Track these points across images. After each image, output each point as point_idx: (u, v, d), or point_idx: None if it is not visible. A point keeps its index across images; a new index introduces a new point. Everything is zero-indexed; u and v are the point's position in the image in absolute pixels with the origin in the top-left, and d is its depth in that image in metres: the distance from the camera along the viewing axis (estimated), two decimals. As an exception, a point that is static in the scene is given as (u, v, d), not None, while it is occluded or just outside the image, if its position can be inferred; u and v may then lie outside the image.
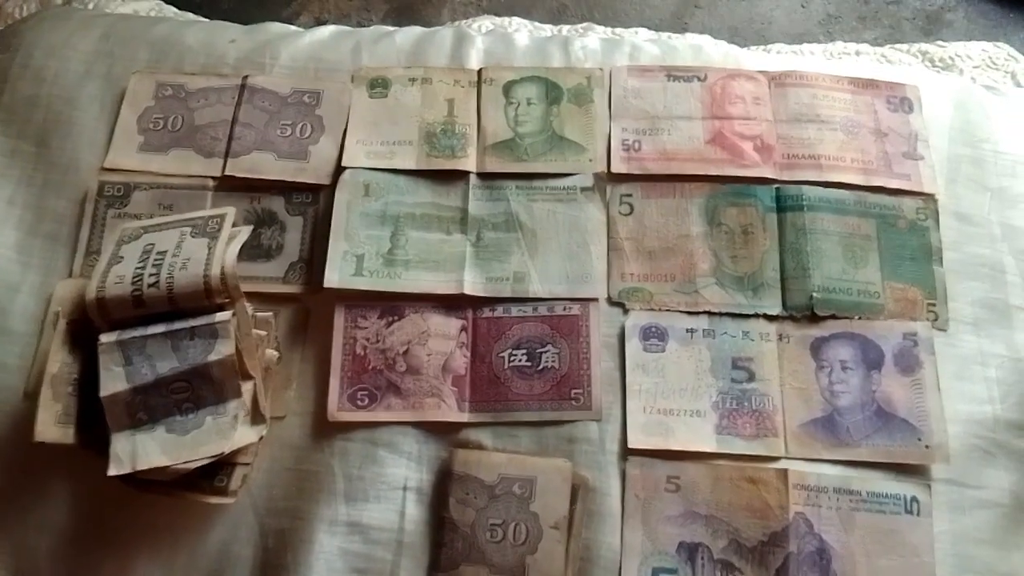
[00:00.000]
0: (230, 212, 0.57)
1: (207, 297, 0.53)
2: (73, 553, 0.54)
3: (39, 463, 0.55)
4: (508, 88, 0.65)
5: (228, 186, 0.62)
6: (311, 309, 0.60)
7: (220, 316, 0.53)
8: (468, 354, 0.57)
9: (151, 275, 0.54)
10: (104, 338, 0.53)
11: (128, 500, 0.54)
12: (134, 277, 0.54)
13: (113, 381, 0.52)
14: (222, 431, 0.52)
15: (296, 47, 0.68)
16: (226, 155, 0.63)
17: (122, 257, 0.55)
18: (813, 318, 0.57)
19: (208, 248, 0.55)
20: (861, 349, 0.56)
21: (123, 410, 0.52)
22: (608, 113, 0.64)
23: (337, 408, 0.56)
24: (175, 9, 0.89)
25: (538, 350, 0.57)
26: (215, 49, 0.68)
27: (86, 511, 0.55)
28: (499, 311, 0.58)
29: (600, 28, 0.78)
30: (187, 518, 0.55)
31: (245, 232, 0.57)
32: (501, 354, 0.57)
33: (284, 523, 0.54)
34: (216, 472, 0.53)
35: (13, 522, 0.55)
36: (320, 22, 0.76)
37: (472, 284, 0.59)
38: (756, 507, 0.51)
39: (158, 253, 0.55)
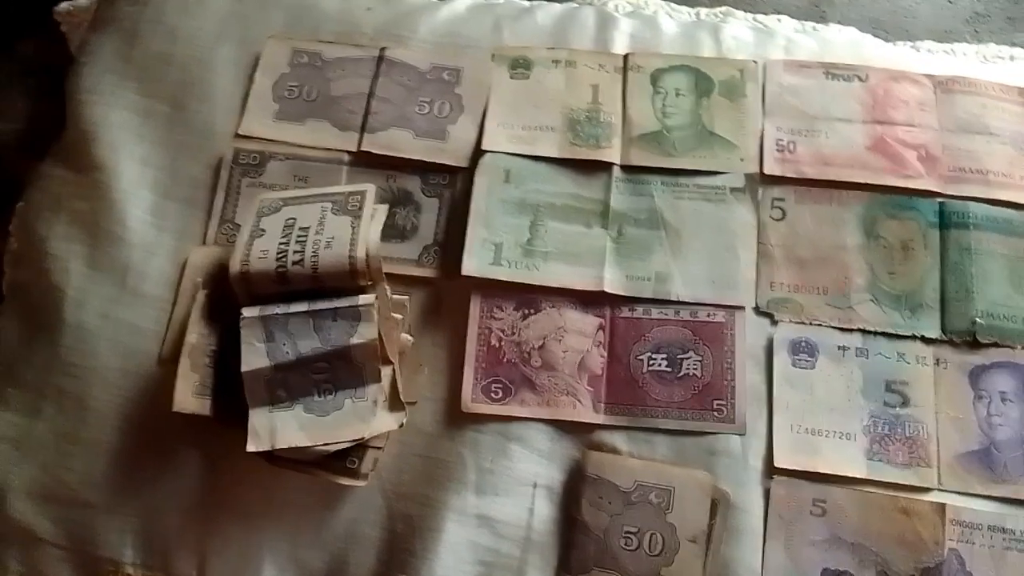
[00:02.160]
0: (370, 189, 0.56)
1: (352, 278, 0.52)
2: (201, 520, 0.55)
3: (172, 429, 0.55)
4: (656, 77, 0.62)
5: (364, 162, 0.61)
6: (444, 294, 0.58)
7: (363, 299, 0.52)
8: (605, 354, 0.56)
9: (295, 252, 0.53)
10: (247, 312, 0.52)
11: (258, 472, 0.53)
12: (278, 253, 0.53)
13: (255, 356, 0.51)
14: (362, 415, 0.51)
15: (434, 20, 0.66)
16: (362, 130, 0.62)
17: (264, 230, 0.55)
18: (973, 344, 0.54)
19: (352, 227, 0.53)
20: (1023, 381, 0.53)
21: (263, 386, 0.52)
22: (761, 110, 0.61)
23: (471, 399, 0.55)
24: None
25: (679, 356, 0.55)
26: (351, 16, 0.66)
27: (216, 480, 0.55)
28: (639, 311, 0.57)
29: (740, 13, 0.74)
30: (316, 495, 0.54)
31: (383, 212, 0.56)
32: (640, 356, 0.56)
33: (413, 509, 0.54)
34: (348, 453, 0.53)
35: (143, 485, 0.55)
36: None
37: (612, 282, 0.57)
38: (909, 540, 0.50)
39: (301, 229, 0.54)
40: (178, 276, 0.59)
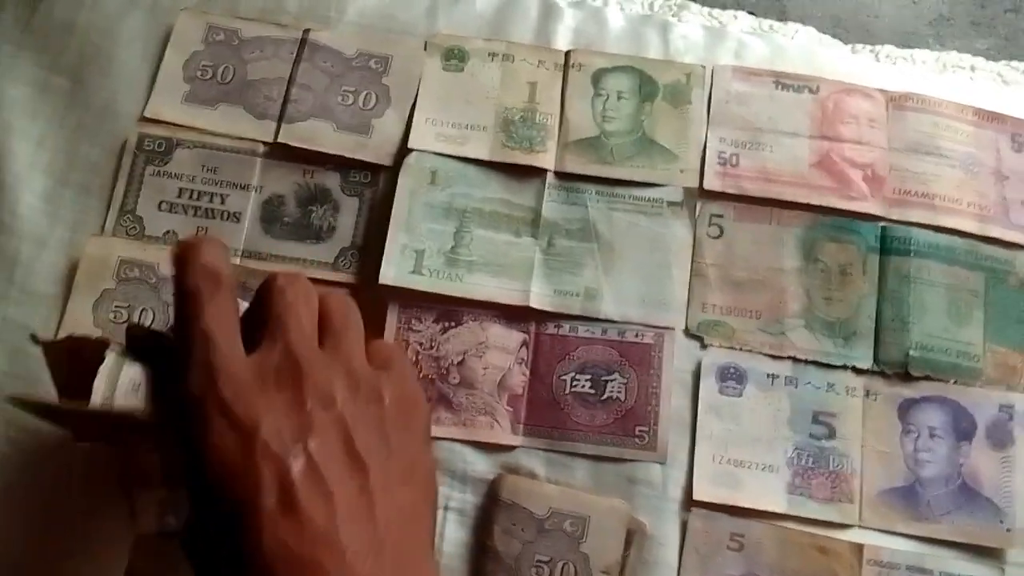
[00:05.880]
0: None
1: None
2: (94, 539, 0.51)
3: (65, 437, 0.52)
4: (598, 77, 0.58)
5: (279, 155, 0.56)
6: (361, 302, 0.54)
7: None
8: (527, 372, 0.53)
9: None
10: None
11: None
12: None
13: None
14: None
15: (366, 1, 0.61)
16: (280, 119, 0.57)
17: None
18: (905, 376, 0.52)
19: None
20: (953, 416, 0.52)
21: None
22: (706, 118, 0.57)
23: (383, 417, 0.52)
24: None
25: (603, 377, 0.53)
26: (275, -9, 0.61)
27: (106, 496, 0.52)
28: (565, 329, 0.54)
29: (695, 7, 0.70)
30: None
31: None
32: (563, 376, 0.53)
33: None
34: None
35: (33, 499, 0.52)
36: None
37: (539, 296, 0.54)
38: (825, 581, 0.48)
39: None
40: (71, 272, 0.54)
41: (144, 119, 0.57)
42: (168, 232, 0.55)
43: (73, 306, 0.53)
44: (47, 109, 0.58)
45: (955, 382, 0.53)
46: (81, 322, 0.53)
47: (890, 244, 0.54)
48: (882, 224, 0.55)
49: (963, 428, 0.52)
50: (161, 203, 0.56)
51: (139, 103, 0.58)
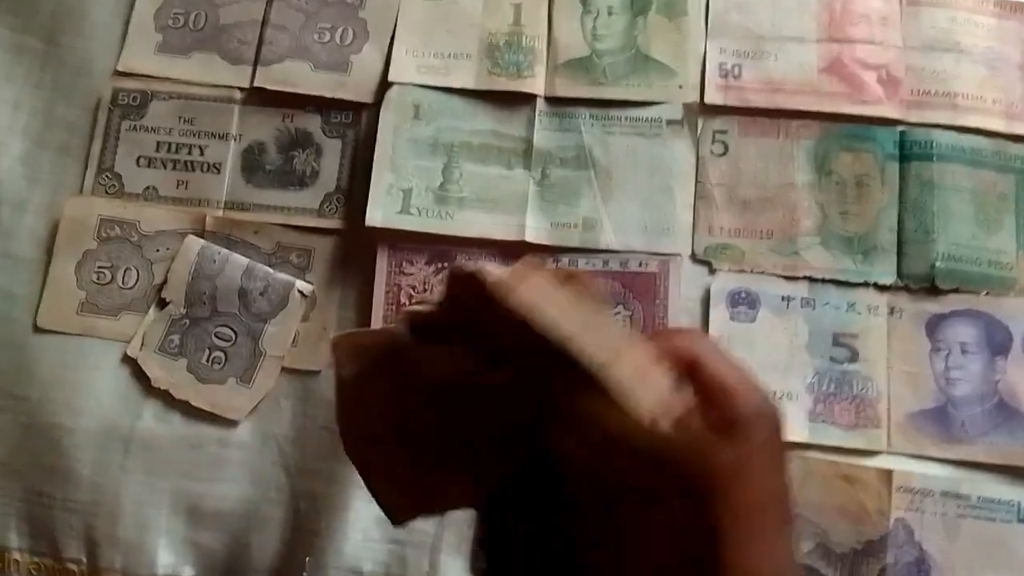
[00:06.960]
0: None
1: None
2: (87, 502, 0.50)
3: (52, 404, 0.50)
4: (586, -7, 0.55)
5: (257, 100, 0.54)
6: (350, 247, 0.53)
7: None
8: (526, 310, 0.50)
9: None
10: None
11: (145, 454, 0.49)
12: None
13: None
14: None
15: (337, -67, 0.58)
16: (255, 62, 0.55)
17: None
18: (932, 290, 0.49)
19: None
20: (986, 330, 0.48)
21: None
22: (704, 30, 0.54)
23: (378, 364, 0.50)
24: None
25: (607, 311, 0.50)
26: (244, -68, 0.58)
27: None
28: (564, 262, 0.51)
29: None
30: (211, 473, 0.50)
31: None
32: (564, 312, 0.50)
33: (317, 486, 0.49)
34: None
35: (24, 465, 0.51)
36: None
37: (535, 230, 0.51)
38: (851, 510, 0.45)
39: None
40: (52, 234, 0.53)
41: (118, 73, 0.55)
42: (148, 188, 0.53)
43: (55, 269, 0.52)
44: (22, 71, 0.56)
45: (987, 293, 0.49)
46: (64, 285, 0.52)
47: (910, 149, 0.50)
48: (900, 129, 0.51)
49: (998, 342, 0.48)
50: (139, 158, 0.54)
51: (113, 58, 0.56)
